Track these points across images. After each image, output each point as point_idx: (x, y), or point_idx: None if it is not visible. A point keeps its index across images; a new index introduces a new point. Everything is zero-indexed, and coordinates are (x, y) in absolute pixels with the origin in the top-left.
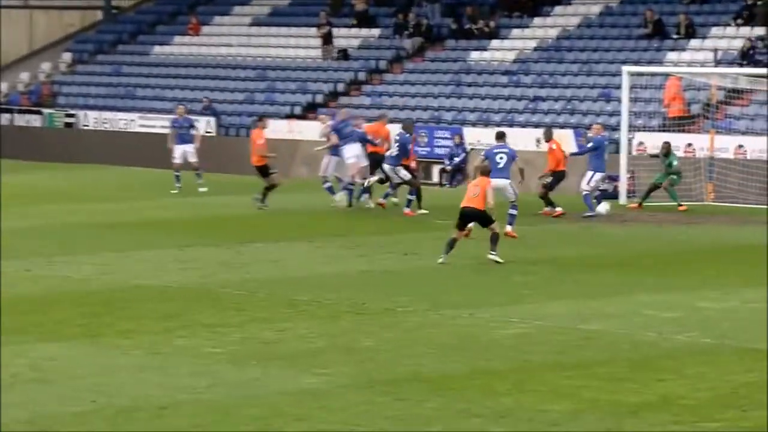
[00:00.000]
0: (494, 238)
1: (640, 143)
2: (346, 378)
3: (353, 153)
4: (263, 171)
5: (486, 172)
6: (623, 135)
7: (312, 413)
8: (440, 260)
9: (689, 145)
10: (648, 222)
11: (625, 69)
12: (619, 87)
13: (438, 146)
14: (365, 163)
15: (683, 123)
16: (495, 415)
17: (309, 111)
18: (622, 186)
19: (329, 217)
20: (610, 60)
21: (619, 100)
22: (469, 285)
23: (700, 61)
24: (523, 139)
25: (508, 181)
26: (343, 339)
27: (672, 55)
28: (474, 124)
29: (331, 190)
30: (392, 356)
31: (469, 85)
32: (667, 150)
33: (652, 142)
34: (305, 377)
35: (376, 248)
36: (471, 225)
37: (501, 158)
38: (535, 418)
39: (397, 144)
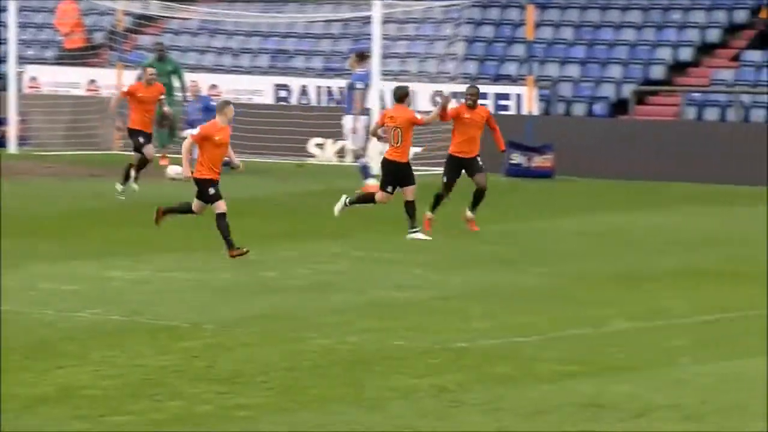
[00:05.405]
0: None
1: (33, 78)
2: None
3: None
4: None
5: None
6: (11, 68)
7: None
8: None
9: (92, 81)
10: (44, 175)
11: None
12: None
13: None
14: None
15: (84, 55)
16: None
17: None
18: (12, 131)
19: None
20: None
21: (4, 25)
22: None
23: None
24: None
25: None
26: None
27: None
28: None
29: None
30: None
31: None
32: None
33: (48, 77)
34: None
35: None
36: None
37: None
38: None
39: None
